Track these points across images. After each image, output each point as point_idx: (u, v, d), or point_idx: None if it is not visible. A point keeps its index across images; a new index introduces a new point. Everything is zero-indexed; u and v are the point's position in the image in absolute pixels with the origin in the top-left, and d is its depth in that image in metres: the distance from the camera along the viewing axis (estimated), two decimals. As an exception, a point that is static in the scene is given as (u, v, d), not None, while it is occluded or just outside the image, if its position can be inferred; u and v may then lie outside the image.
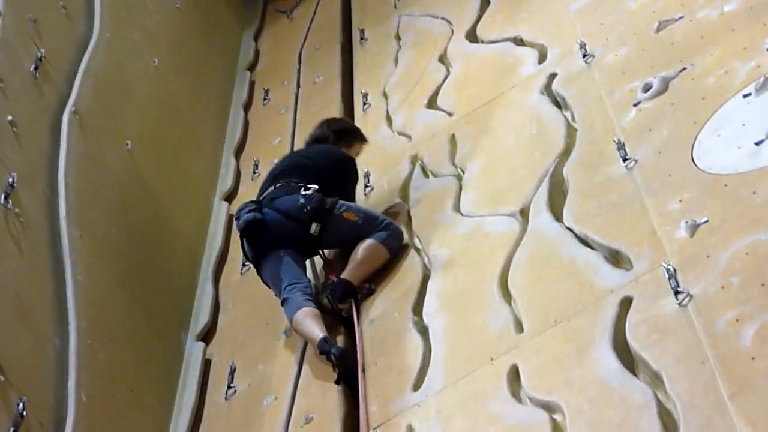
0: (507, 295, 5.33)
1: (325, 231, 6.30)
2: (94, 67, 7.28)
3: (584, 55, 6.52)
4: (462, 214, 6.18)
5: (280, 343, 6.36)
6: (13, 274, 5.39)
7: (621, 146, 5.51)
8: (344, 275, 6.14)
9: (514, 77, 7.00)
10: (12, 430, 4.77)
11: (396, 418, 5.19)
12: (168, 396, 6.42)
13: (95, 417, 5.44)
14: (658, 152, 5.34)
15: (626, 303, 4.69)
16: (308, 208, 6.27)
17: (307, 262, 6.52)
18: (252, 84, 10.07)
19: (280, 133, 8.87)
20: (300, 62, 9.84)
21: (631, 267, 4.86)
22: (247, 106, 9.72)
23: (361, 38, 9.38)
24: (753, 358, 4.01)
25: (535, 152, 6.13)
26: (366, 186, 7.14)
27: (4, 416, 4.77)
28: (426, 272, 5.98)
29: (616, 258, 5.02)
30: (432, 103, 7.59)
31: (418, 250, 6.21)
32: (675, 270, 4.56)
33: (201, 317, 7.12)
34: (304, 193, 6.32)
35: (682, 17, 6.18)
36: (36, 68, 6.57)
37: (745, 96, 5.27)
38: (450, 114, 7.25)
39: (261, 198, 6.50)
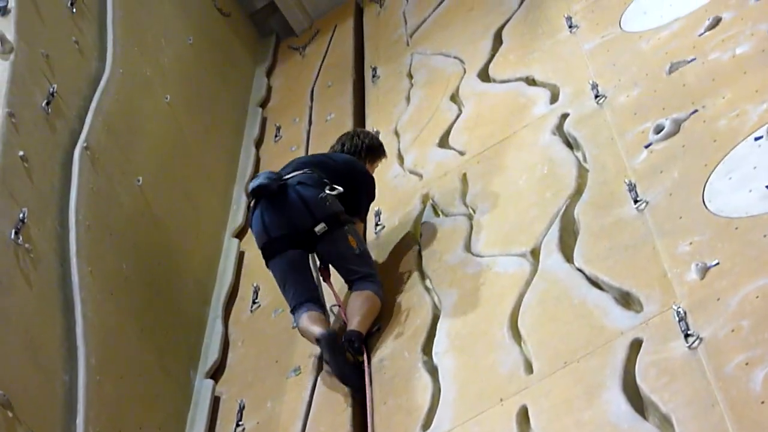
0: (517, 335, 5.32)
1: (326, 237, 6.31)
2: (106, 103, 7.28)
3: (596, 96, 6.53)
4: (473, 254, 6.17)
5: (289, 381, 6.34)
6: (23, 309, 5.39)
7: (632, 188, 5.52)
8: (356, 327, 6.08)
9: (526, 117, 7.01)
10: (20, 465, 4.78)
11: (405, 458, 5.19)
12: (176, 433, 6.41)
13: (103, 454, 5.44)
14: (669, 194, 5.34)
15: (636, 345, 4.69)
16: (328, 203, 6.32)
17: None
18: (264, 121, 10.06)
19: (291, 171, 8.85)
20: (312, 99, 9.83)
21: (642, 309, 4.85)
22: (258, 143, 9.72)
23: (374, 76, 9.40)
24: (762, 402, 4.00)
25: (547, 192, 6.13)
26: (377, 224, 7.14)
27: (13, 452, 4.78)
28: (436, 312, 5.97)
29: (626, 300, 5.02)
30: (444, 142, 7.60)
31: (428, 290, 6.20)
32: (685, 312, 4.56)
33: (210, 354, 7.09)
34: (328, 191, 6.37)
35: (694, 59, 6.18)
36: (48, 103, 6.58)
37: (756, 139, 5.26)
38: (461, 153, 7.25)
39: (286, 177, 6.49)
